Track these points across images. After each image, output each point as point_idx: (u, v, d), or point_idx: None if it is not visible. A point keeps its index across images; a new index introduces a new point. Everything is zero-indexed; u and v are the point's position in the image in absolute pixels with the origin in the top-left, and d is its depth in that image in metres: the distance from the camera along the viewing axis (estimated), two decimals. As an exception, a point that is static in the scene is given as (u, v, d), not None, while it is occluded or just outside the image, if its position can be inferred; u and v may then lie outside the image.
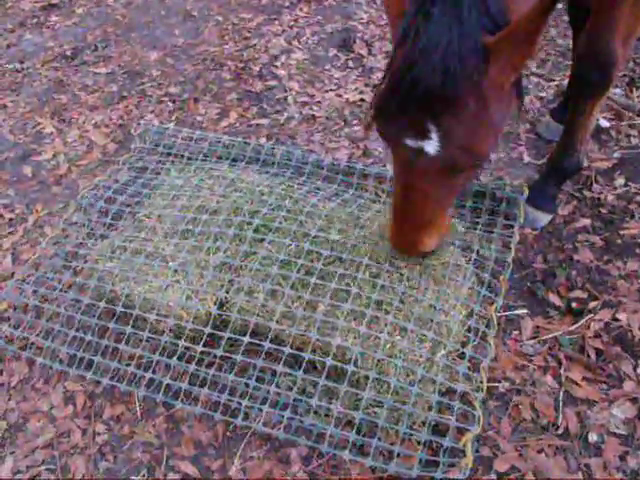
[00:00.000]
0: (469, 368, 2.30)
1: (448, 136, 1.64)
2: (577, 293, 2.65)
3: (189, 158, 3.53)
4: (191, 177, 3.12)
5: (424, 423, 2.20)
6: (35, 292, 2.87)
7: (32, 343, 2.73)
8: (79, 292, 2.79)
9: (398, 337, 2.27)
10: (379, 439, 2.15)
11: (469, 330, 2.41)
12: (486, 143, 1.71)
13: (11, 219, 3.56)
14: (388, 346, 2.26)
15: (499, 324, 2.55)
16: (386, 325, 2.28)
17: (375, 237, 2.54)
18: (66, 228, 3.15)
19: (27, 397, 2.66)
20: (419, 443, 2.19)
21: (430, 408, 2.20)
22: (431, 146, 1.67)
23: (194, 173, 3.17)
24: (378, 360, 2.23)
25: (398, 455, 2.12)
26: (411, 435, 2.20)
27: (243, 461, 2.33)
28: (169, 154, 3.60)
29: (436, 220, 2.05)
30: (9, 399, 2.66)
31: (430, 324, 2.31)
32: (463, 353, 2.33)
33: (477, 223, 2.84)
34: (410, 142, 1.71)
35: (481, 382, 2.24)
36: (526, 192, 2.92)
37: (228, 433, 2.41)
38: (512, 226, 2.80)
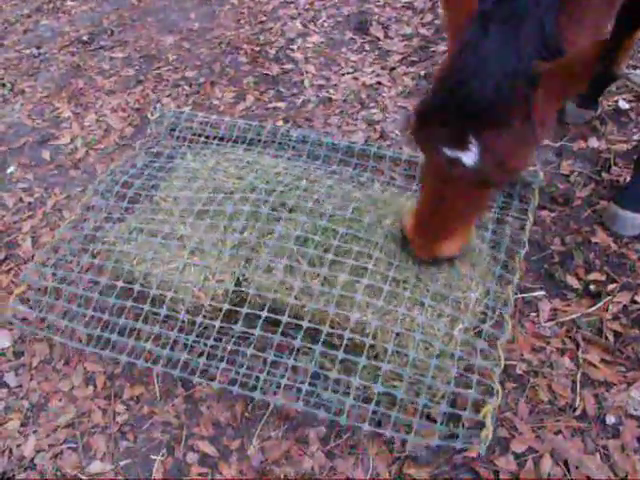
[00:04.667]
0: (487, 344, 2.30)
1: (487, 151, 1.66)
2: (595, 275, 2.64)
3: (205, 142, 3.54)
4: (207, 160, 3.12)
5: (443, 396, 2.21)
6: (54, 274, 2.90)
7: (50, 325, 2.77)
8: (97, 274, 2.82)
9: (416, 312, 2.28)
10: (398, 412, 2.15)
11: (487, 307, 2.41)
12: (523, 162, 1.75)
13: (30, 203, 3.59)
14: (407, 320, 2.27)
15: (516, 306, 2.54)
16: (404, 300, 2.28)
17: (392, 219, 2.53)
18: (84, 212, 3.17)
19: (48, 378, 2.70)
20: (438, 416, 2.20)
21: (449, 382, 2.19)
22: (469, 158, 1.68)
23: (210, 156, 3.17)
24: (397, 334, 2.23)
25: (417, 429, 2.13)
26: (430, 409, 2.20)
27: (261, 441, 2.36)
28: (185, 138, 3.61)
29: (459, 230, 2.09)
30: (31, 379, 2.70)
31: (447, 300, 2.32)
32: (480, 330, 2.33)
33: (492, 206, 2.83)
34: (448, 151, 1.72)
35: (499, 358, 2.23)
36: (541, 176, 2.91)
37: (246, 414, 2.44)
38: (526, 210, 2.79)
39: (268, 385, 2.36)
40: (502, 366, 2.21)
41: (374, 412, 2.17)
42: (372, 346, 2.25)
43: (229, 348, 2.37)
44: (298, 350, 2.37)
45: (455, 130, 1.68)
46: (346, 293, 2.31)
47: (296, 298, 2.37)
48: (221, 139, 3.53)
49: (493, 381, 2.16)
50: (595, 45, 1.43)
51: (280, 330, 2.32)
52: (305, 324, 2.28)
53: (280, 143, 3.42)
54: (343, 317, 2.31)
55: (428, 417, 2.23)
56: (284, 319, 2.30)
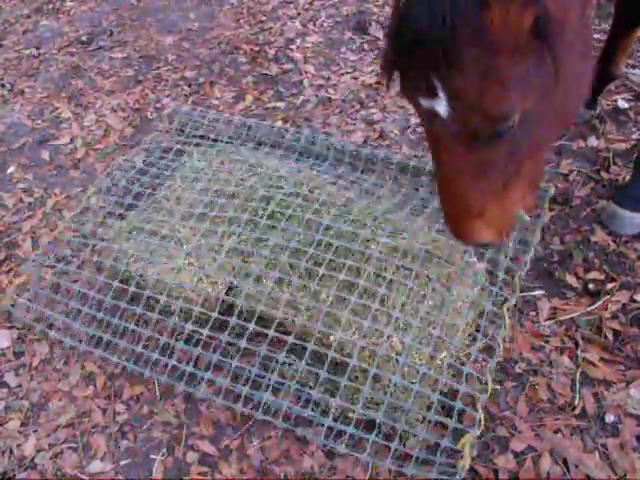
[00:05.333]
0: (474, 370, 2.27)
1: (454, 93, 1.44)
2: (594, 274, 2.64)
3: (214, 140, 3.55)
4: (212, 160, 3.13)
5: (422, 422, 2.20)
6: (53, 267, 2.93)
7: (48, 319, 2.79)
8: (95, 270, 2.84)
9: (402, 334, 2.25)
10: (376, 435, 2.15)
11: (478, 330, 2.38)
12: (502, 103, 1.45)
13: (30, 203, 3.60)
14: (392, 342, 2.24)
15: (515, 305, 2.54)
16: (390, 321, 2.27)
17: (388, 231, 2.53)
18: (87, 207, 3.19)
19: (48, 377, 2.70)
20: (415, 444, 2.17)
21: (429, 408, 2.20)
22: (441, 105, 1.48)
23: (216, 156, 3.17)
24: (379, 356, 2.21)
25: (396, 451, 2.11)
26: (408, 434, 2.21)
27: (261, 440, 2.36)
28: (194, 135, 3.62)
29: (490, 204, 1.77)
30: (31, 379, 2.71)
31: (435, 322, 2.28)
32: (469, 354, 2.31)
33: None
34: (422, 101, 1.54)
35: (486, 383, 2.20)
36: (551, 190, 2.83)
37: (246, 413, 2.44)
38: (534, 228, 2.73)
39: (251, 396, 2.36)
40: (489, 392, 2.18)
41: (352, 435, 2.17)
42: (354, 367, 2.23)
43: (215, 357, 2.40)
44: (283, 363, 2.38)
45: (420, 76, 1.47)
46: (332, 310, 2.31)
47: (283, 312, 2.38)
48: (230, 138, 3.55)
49: (476, 408, 2.15)
50: None
51: (267, 342, 2.33)
52: (290, 340, 2.30)
53: (288, 146, 3.42)
54: (326, 334, 2.31)
55: (405, 445, 2.20)
56: (270, 333, 2.32)
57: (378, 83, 3.97)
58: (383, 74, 1.59)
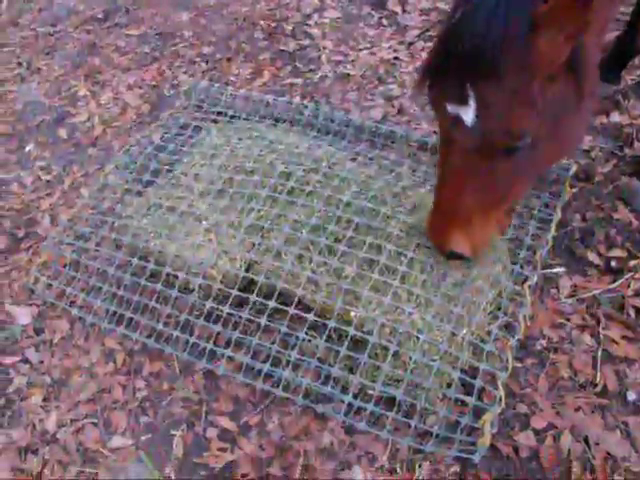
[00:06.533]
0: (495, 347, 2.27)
1: (484, 105, 1.57)
2: (616, 252, 2.61)
3: (232, 116, 3.54)
4: (231, 137, 3.11)
5: (442, 399, 2.20)
6: (72, 245, 2.96)
7: (69, 296, 2.81)
8: (114, 248, 2.85)
9: (423, 312, 2.24)
10: (396, 412, 2.16)
11: (499, 308, 2.38)
12: (525, 122, 1.59)
13: (48, 181, 3.60)
14: (413, 319, 2.23)
15: (537, 283, 2.51)
16: (412, 298, 2.26)
17: (408, 208, 2.51)
18: (105, 184, 3.21)
19: (69, 354, 2.72)
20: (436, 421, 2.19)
21: (449, 385, 2.19)
22: (468, 114, 1.61)
23: (234, 132, 3.16)
24: (400, 333, 2.20)
25: (416, 428, 2.13)
26: (428, 412, 2.21)
27: (281, 416, 2.37)
28: (212, 112, 3.61)
29: (473, 219, 1.91)
30: (52, 356, 2.73)
31: (457, 300, 2.27)
32: (489, 332, 2.30)
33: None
34: (450, 107, 1.66)
35: (507, 361, 2.21)
36: (573, 168, 2.82)
37: (265, 389, 2.45)
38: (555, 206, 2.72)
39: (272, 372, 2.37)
40: (509, 370, 2.18)
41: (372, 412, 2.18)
42: (374, 344, 2.23)
43: (236, 335, 2.40)
44: (303, 340, 2.36)
45: (455, 83, 1.60)
46: (352, 287, 2.30)
47: (303, 288, 2.37)
48: (248, 115, 3.53)
49: (496, 386, 2.14)
50: None
51: (287, 319, 2.34)
52: (310, 317, 2.30)
53: (307, 122, 3.40)
54: (347, 311, 2.30)
55: (425, 422, 2.21)
56: (291, 310, 2.32)
57: (396, 59, 3.93)
58: (423, 76, 1.72)
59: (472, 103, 1.59)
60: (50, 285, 2.87)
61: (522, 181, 1.88)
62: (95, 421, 2.50)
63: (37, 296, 2.92)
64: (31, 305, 2.92)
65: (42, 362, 2.72)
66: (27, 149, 3.86)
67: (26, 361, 2.74)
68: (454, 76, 1.60)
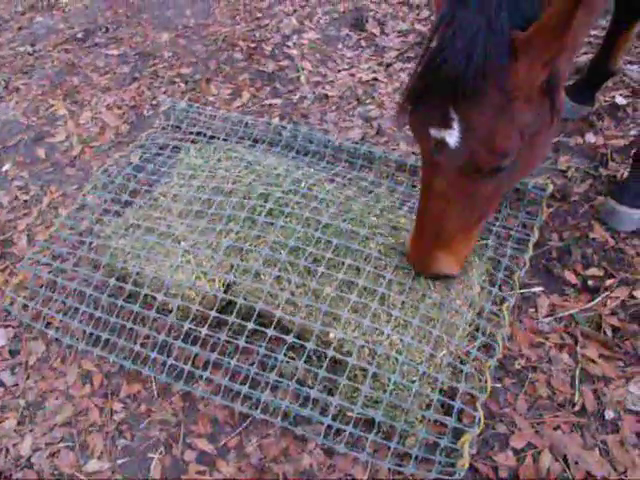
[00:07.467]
0: (475, 368, 2.29)
1: (468, 127, 1.62)
2: (593, 271, 2.64)
3: (211, 137, 3.54)
4: (209, 157, 3.12)
5: (421, 421, 2.19)
6: (50, 265, 2.92)
7: (45, 317, 2.77)
8: (92, 268, 2.83)
9: (401, 333, 2.24)
10: (375, 434, 2.16)
11: (477, 329, 2.39)
12: (508, 142, 1.64)
13: (26, 201, 3.57)
14: (391, 341, 2.23)
15: (514, 302, 2.53)
16: (390, 319, 2.26)
17: (387, 230, 2.52)
18: (83, 204, 3.19)
19: (45, 376, 2.68)
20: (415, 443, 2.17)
21: (428, 406, 2.19)
22: (452, 137, 1.65)
23: (213, 153, 3.16)
24: (379, 354, 2.20)
25: (395, 450, 2.12)
26: (407, 433, 2.19)
27: (260, 438, 2.35)
28: (191, 132, 3.61)
29: (457, 239, 1.98)
30: (27, 378, 2.69)
31: (435, 321, 2.27)
32: (468, 352, 2.31)
33: (496, 218, 2.79)
34: (433, 131, 1.69)
35: (486, 382, 2.21)
36: (549, 189, 2.86)
37: (244, 411, 2.42)
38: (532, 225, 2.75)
39: (250, 394, 2.35)
40: (488, 390, 2.19)
41: (351, 434, 2.17)
42: (353, 366, 2.22)
43: (214, 356, 2.38)
44: (282, 361, 2.36)
45: (438, 108, 1.64)
46: (331, 309, 2.30)
47: (282, 309, 2.37)
48: (227, 135, 3.54)
49: (476, 407, 2.15)
50: (565, 2, 1.34)
51: (266, 340, 2.32)
52: (289, 338, 2.29)
53: (286, 144, 3.41)
54: (326, 333, 2.30)
55: (404, 443, 2.20)
56: (269, 331, 2.31)
57: (375, 80, 3.96)
58: (405, 102, 1.76)
59: (456, 126, 1.63)
60: (26, 306, 2.84)
61: (499, 197, 1.96)
62: (71, 444, 2.46)
63: (13, 317, 2.89)
64: (7, 327, 2.88)
65: (17, 385, 2.68)
66: (4, 168, 3.83)
67: (1, 384, 2.69)
68: (437, 101, 1.64)
